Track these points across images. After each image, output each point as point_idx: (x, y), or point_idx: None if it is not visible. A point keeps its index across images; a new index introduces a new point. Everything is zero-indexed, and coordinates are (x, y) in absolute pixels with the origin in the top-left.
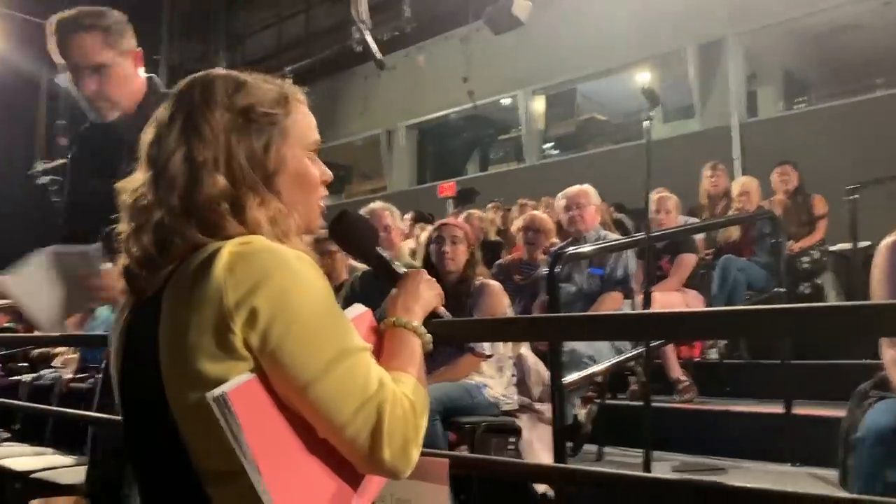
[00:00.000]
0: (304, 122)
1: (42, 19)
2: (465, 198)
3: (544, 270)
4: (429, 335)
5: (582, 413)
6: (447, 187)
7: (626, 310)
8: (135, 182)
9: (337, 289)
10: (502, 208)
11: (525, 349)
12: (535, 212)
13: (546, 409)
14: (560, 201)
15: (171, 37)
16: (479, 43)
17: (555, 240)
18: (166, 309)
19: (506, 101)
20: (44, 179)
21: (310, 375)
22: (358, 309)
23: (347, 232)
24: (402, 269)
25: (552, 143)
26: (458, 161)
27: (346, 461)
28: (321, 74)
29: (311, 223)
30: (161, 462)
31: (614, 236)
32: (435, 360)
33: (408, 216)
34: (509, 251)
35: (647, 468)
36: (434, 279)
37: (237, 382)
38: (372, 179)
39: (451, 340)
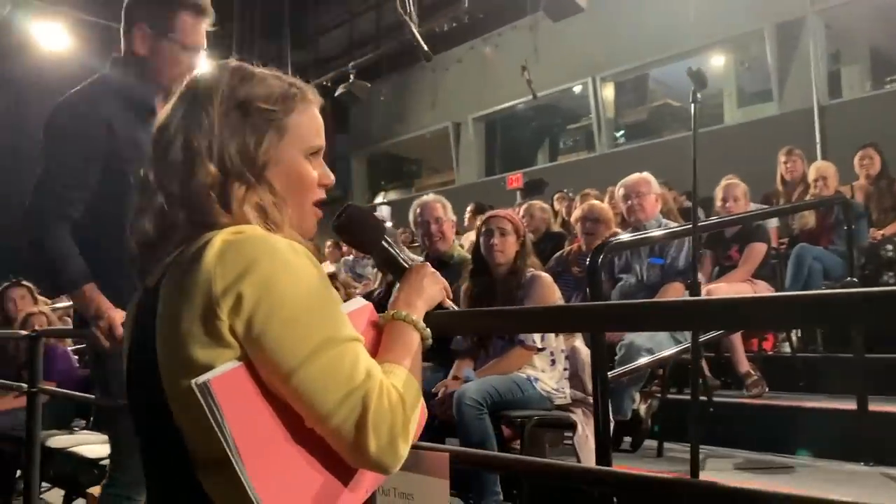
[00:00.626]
0: (306, 124)
1: (107, 21)
2: (533, 189)
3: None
4: (427, 330)
5: (642, 408)
6: (515, 179)
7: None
8: (145, 163)
9: (391, 283)
10: (567, 199)
11: (579, 342)
12: (594, 201)
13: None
14: (619, 190)
15: (243, 37)
16: (546, 31)
17: (617, 230)
18: (162, 298)
19: (576, 89)
20: None
21: (294, 362)
22: (358, 302)
23: (352, 225)
24: (408, 263)
25: (623, 131)
26: (527, 152)
27: (337, 454)
28: (390, 70)
29: (302, 223)
30: (159, 448)
31: (675, 226)
32: (486, 354)
33: (469, 208)
34: (572, 242)
35: (694, 467)
36: (439, 273)
37: (221, 370)
38: (441, 173)
39: (454, 332)
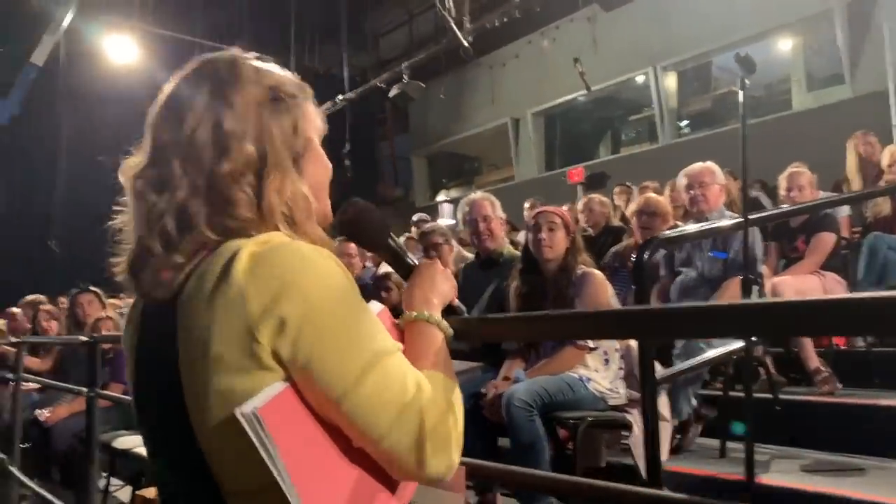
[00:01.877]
0: (314, 111)
1: (176, 33)
2: (594, 183)
3: (658, 256)
4: (450, 328)
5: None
6: (576, 173)
7: (753, 296)
8: (138, 164)
9: None
10: (628, 192)
11: (634, 340)
12: (651, 194)
13: (659, 403)
14: (682, 180)
15: (303, 40)
16: (605, 21)
17: (678, 223)
18: (184, 317)
19: (638, 80)
20: None
21: (344, 386)
22: (375, 307)
23: (358, 222)
24: (415, 261)
25: (687, 121)
26: (588, 145)
27: (382, 469)
28: (448, 68)
29: (327, 212)
30: (181, 475)
31: (759, 214)
32: (536, 354)
33: (526, 204)
34: (631, 236)
35: (750, 469)
36: (449, 270)
37: (267, 396)
38: (500, 169)
39: (469, 339)
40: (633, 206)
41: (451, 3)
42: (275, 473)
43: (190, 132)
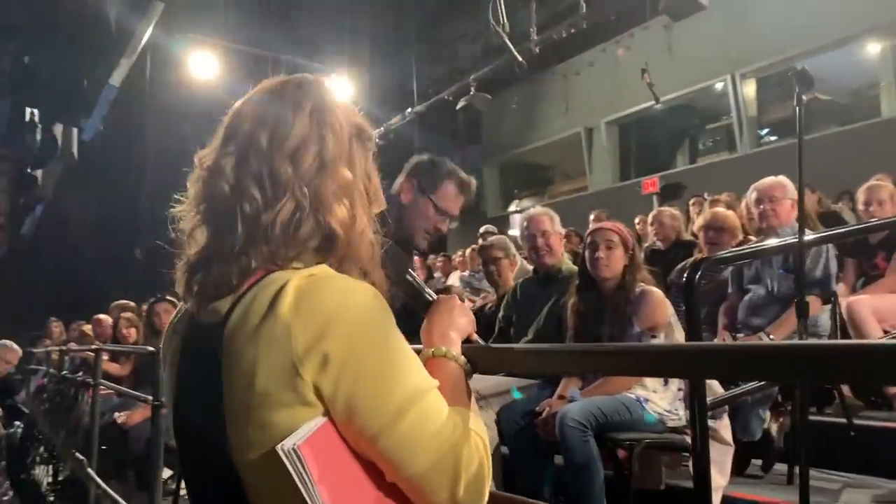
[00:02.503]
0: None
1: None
2: (669, 193)
3: (727, 273)
4: (468, 364)
5: (773, 427)
6: (651, 183)
7: (825, 317)
8: (225, 157)
9: (501, 297)
10: (702, 204)
11: None
12: (718, 209)
13: (719, 425)
14: (751, 194)
15: (374, 52)
16: (682, 28)
17: (751, 237)
18: (232, 347)
19: (717, 86)
20: None
21: (382, 423)
22: None
23: None
24: (433, 296)
25: (768, 129)
26: (664, 154)
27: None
28: (521, 78)
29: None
30: (219, 499)
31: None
32: (593, 373)
33: (591, 216)
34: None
35: (804, 496)
36: (466, 305)
37: (307, 432)
38: (573, 179)
39: (486, 370)
40: (699, 221)
41: (505, 19)
42: None
43: (297, 143)
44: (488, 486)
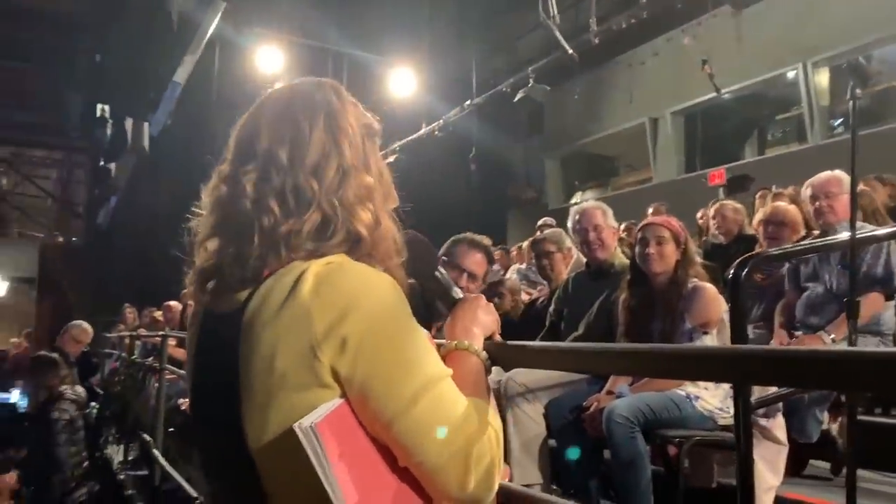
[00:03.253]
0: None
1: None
2: (736, 186)
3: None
4: (489, 360)
5: (833, 427)
6: (718, 175)
7: (889, 314)
8: (247, 175)
9: (553, 291)
10: (769, 196)
11: None
12: (779, 203)
13: (772, 424)
14: (806, 190)
15: (435, 45)
16: (751, 16)
17: (815, 231)
18: (250, 332)
19: (788, 76)
20: None
21: (396, 408)
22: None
23: (408, 252)
24: (460, 294)
25: (841, 120)
26: (732, 145)
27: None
28: (584, 68)
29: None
30: (229, 483)
31: (875, 229)
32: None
33: (650, 210)
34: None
35: (851, 500)
36: (492, 305)
37: (325, 411)
38: (638, 171)
39: (508, 364)
40: (758, 215)
41: (556, 11)
42: (327, 487)
43: (318, 158)
44: (498, 478)
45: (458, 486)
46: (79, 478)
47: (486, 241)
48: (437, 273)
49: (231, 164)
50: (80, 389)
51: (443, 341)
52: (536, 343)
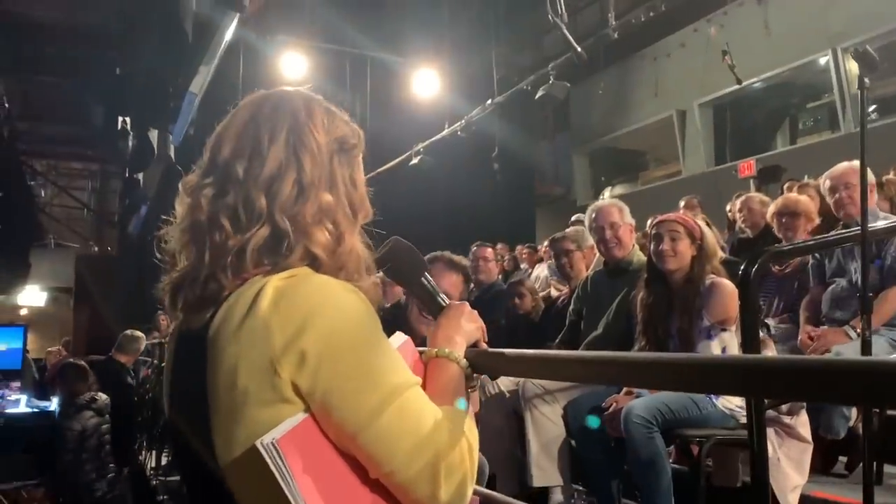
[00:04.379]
0: (360, 162)
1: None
2: (767, 177)
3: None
4: (469, 368)
5: (860, 426)
6: (747, 166)
7: None
8: (204, 185)
9: (573, 290)
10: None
11: (770, 352)
12: (791, 194)
13: (796, 422)
14: (825, 182)
15: (457, 45)
16: (778, 2)
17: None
18: (214, 349)
19: (819, 62)
20: None
21: (360, 420)
22: (399, 338)
23: (395, 258)
24: (446, 301)
25: (875, 106)
26: (762, 136)
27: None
28: (609, 62)
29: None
30: (207, 497)
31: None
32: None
33: (681, 203)
34: None
35: (868, 496)
36: (476, 312)
37: (287, 427)
38: (667, 164)
39: (491, 373)
40: (772, 208)
41: (563, 9)
42: (291, 500)
43: (273, 172)
44: (471, 487)
45: (429, 496)
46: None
47: (465, 261)
48: (422, 279)
49: (197, 175)
50: (102, 397)
51: (424, 349)
52: (515, 351)
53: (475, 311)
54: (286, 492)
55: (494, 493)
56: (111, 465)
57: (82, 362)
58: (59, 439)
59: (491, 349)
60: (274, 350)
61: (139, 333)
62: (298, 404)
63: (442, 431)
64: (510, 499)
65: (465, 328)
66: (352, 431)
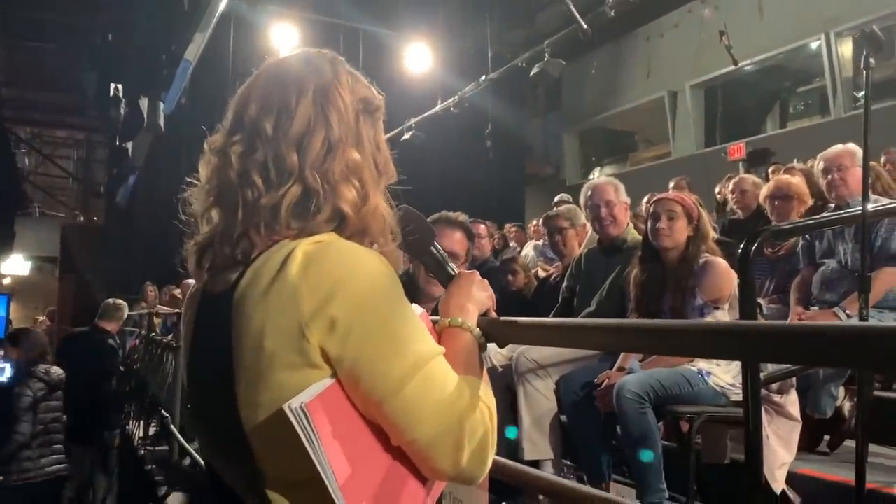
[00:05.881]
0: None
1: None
2: (757, 160)
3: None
4: (483, 336)
5: (846, 405)
6: (737, 149)
7: None
8: (233, 143)
9: (566, 267)
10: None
11: None
12: (783, 176)
13: (786, 401)
14: (819, 164)
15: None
16: None
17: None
18: (240, 311)
19: (812, 46)
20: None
21: (387, 387)
22: (417, 310)
23: (404, 226)
24: (456, 270)
25: (863, 92)
26: (753, 119)
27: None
28: (601, 42)
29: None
30: (226, 460)
31: (891, 203)
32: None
33: (671, 183)
34: None
35: (860, 474)
36: (486, 281)
37: (315, 392)
38: (657, 145)
39: (503, 341)
40: (763, 191)
41: None
42: (318, 467)
43: (303, 129)
44: (492, 454)
45: (451, 464)
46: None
47: (463, 217)
48: (432, 248)
49: (223, 135)
50: (55, 370)
51: (437, 318)
52: (529, 319)
53: (485, 280)
54: (312, 456)
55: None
56: (58, 443)
57: (38, 331)
58: (11, 406)
59: (503, 318)
60: (303, 315)
61: (121, 302)
62: (325, 370)
63: (463, 398)
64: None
65: (476, 296)
66: (378, 398)
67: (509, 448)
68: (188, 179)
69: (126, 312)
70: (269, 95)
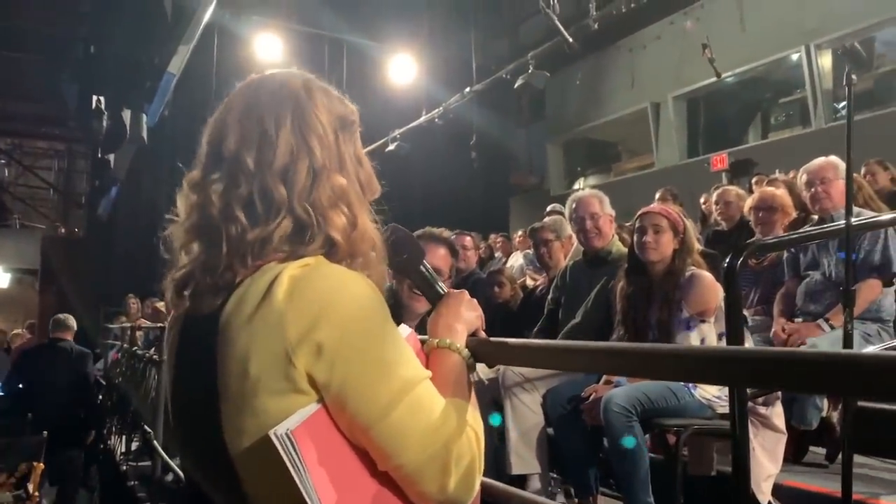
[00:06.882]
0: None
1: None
2: (740, 170)
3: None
4: (472, 358)
5: (834, 415)
6: (720, 160)
7: (889, 300)
8: (210, 179)
9: (552, 279)
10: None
11: (749, 343)
12: (767, 188)
13: (771, 413)
14: (802, 176)
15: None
16: None
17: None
18: (225, 336)
19: (792, 58)
20: None
21: (374, 413)
22: (404, 330)
23: (394, 245)
24: (444, 289)
25: (845, 103)
26: (734, 130)
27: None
28: (585, 53)
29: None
30: (214, 486)
31: (874, 215)
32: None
33: (657, 195)
34: None
35: (846, 485)
36: (475, 300)
37: (301, 418)
38: (640, 156)
39: (490, 361)
40: (748, 202)
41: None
42: (304, 494)
43: (287, 160)
44: (479, 479)
45: (438, 489)
46: None
47: (447, 233)
48: (421, 267)
49: (201, 170)
50: None
51: (425, 338)
52: (518, 340)
53: (474, 300)
54: (298, 483)
55: (496, 483)
56: None
57: None
58: None
59: (493, 338)
60: (289, 340)
61: (69, 315)
62: (311, 395)
63: (450, 423)
64: (514, 488)
65: (465, 316)
66: (365, 424)
67: (497, 457)
68: (167, 217)
69: (74, 322)
70: (245, 124)
